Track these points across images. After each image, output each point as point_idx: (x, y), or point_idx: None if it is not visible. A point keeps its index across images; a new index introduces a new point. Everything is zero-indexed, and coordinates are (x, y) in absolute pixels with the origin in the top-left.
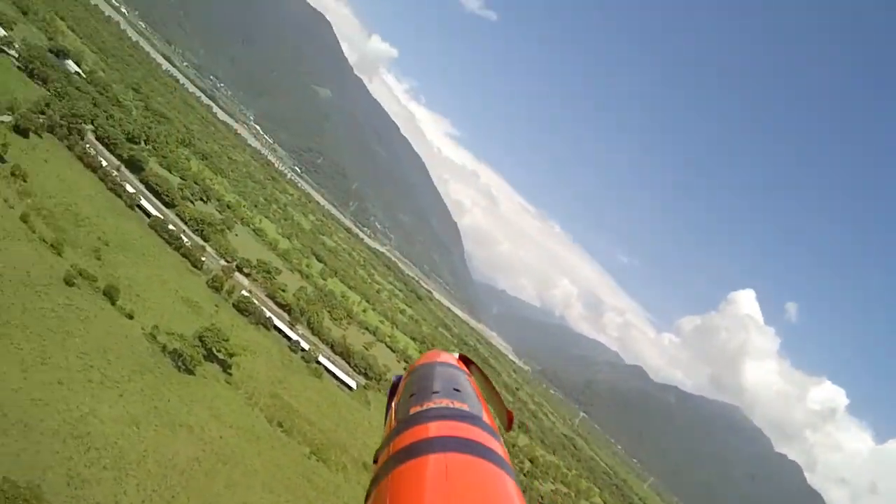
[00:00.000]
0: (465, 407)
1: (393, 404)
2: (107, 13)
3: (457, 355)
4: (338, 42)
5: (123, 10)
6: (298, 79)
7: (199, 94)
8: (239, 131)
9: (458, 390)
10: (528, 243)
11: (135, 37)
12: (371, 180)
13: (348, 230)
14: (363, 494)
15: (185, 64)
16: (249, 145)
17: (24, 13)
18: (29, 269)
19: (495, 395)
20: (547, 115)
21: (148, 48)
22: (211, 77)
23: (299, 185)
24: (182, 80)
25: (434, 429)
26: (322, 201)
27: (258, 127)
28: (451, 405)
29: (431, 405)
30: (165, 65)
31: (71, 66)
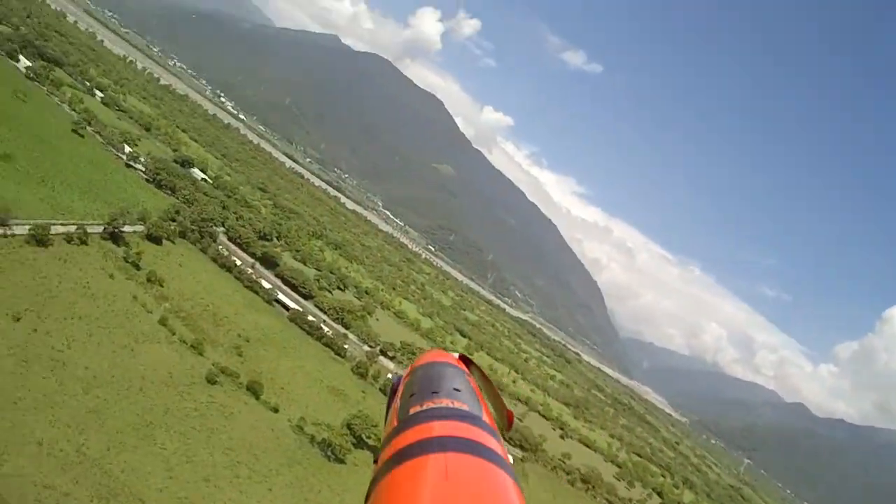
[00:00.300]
0: (465, 407)
1: (393, 404)
2: (226, 121)
3: (457, 355)
4: (452, 119)
5: (242, 116)
6: (420, 160)
7: (325, 186)
8: (369, 218)
9: (458, 390)
10: (670, 291)
11: (256, 139)
12: (505, 250)
13: (489, 302)
14: None
15: (308, 160)
16: (381, 230)
17: (147, 129)
18: (170, 370)
19: (495, 395)
20: (669, 157)
21: (270, 149)
22: (335, 169)
23: (435, 263)
24: (307, 175)
25: (434, 429)
26: (460, 277)
27: (388, 212)
28: (451, 405)
29: (431, 405)
30: (289, 163)
31: (197, 173)
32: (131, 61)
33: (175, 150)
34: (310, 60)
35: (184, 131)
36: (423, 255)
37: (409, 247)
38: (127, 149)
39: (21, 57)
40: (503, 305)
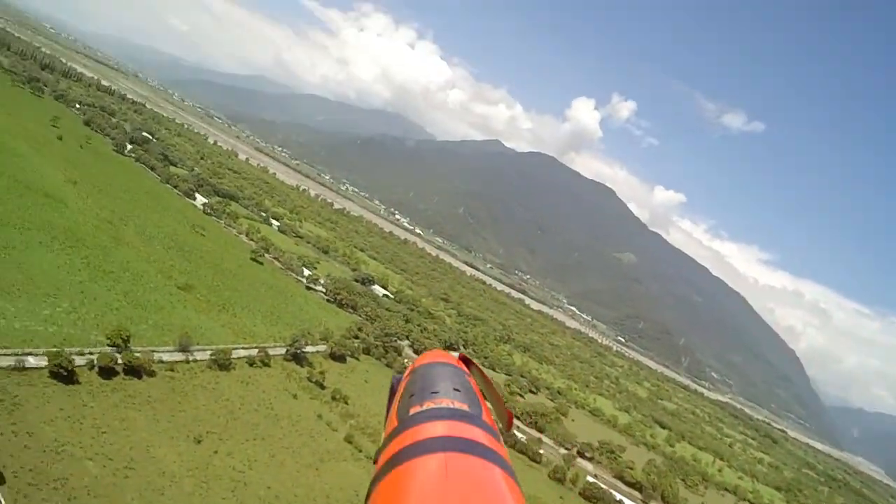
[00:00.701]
0: (465, 407)
1: (393, 404)
2: (403, 237)
3: (457, 355)
4: (625, 205)
5: (418, 230)
6: (599, 251)
7: (507, 290)
8: (555, 316)
9: (458, 390)
10: (873, 348)
11: (434, 252)
12: (696, 330)
13: (686, 388)
14: None
15: (488, 266)
16: (568, 328)
17: (325, 252)
18: (356, 487)
19: (495, 395)
20: (850, 205)
21: (449, 259)
22: (516, 272)
23: (627, 354)
24: (489, 281)
25: (434, 429)
26: (653, 365)
27: (573, 307)
28: (451, 405)
29: (431, 405)
30: (470, 271)
31: (378, 290)
32: (304, 190)
33: (354, 269)
34: (477, 168)
35: (361, 250)
36: (614, 348)
37: (599, 341)
38: (306, 272)
39: (197, 195)
40: (700, 389)
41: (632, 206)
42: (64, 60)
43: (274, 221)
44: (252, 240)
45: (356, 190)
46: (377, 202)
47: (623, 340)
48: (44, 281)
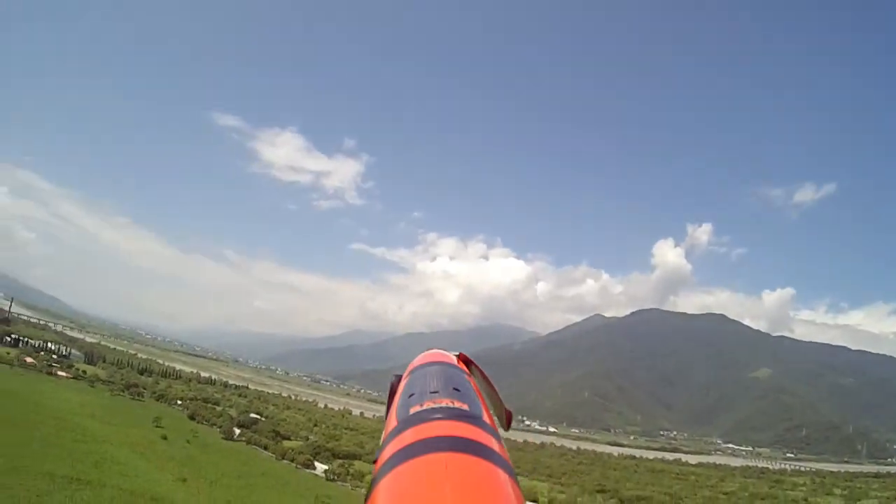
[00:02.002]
0: (465, 407)
1: (393, 404)
2: (538, 440)
3: (456, 354)
4: (740, 323)
5: (552, 429)
6: (733, 378)
7: (660, 454)
8: (716, 462)
9: (458, 390)
10: None
11: (574, 444)
12: (860, 412)
13: (877, 476)
14: None
15: (631, 438)
16: (734, 467)
17: None
18: None
19: (495, 395)
20: None
21: (592, 446)
22: (660, 433)
23: (803, 468)
24: (637, 453)
25: (434, 428)
26: (833, 467)
27: (730, 444)
28: (451, 405)
29: (431, 405)
30: (615, 450)
31: None
32: None
33: None
34: (587, 347)
35: None
36: (788, 468)
37: (770, 468)
38: None
39: (317, 463)
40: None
41: (747, 322)
42: (161, 361)
43: None
44: None
45: None
46: None
47: (793, 455)
48: None
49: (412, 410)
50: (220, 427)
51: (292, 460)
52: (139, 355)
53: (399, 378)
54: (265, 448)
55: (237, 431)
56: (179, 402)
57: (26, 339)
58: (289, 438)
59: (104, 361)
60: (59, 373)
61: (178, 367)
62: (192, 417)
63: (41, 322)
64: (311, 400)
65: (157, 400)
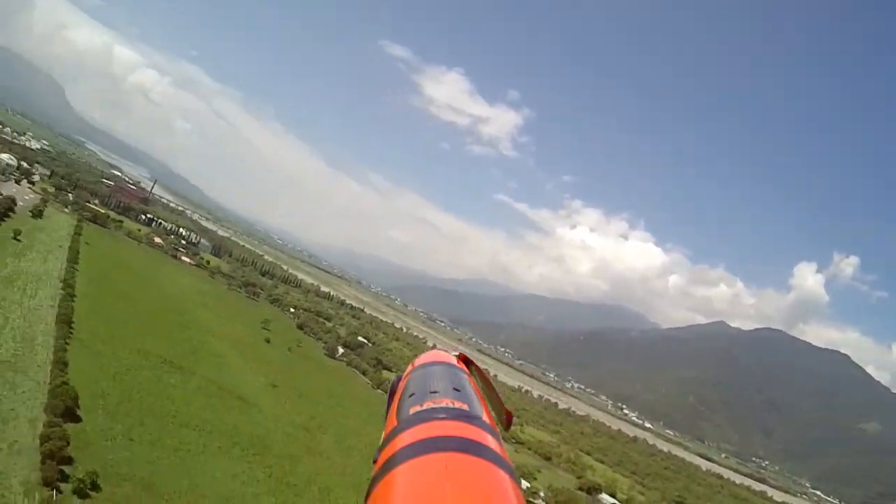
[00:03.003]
0: (465, 407)
1: (393, 404)
2: (632, 433)
3: (456, 354)
4: (863, 369)
5: (648, 424)
6: (840, 424)
7: (746, 481)
8: None
9: (458, 390)
10: None
11: (666, 447)
12: None
13: None
14: None
15: (723, 456)
16: None
17: (548, 458)
18: None
19: (495, 395)
20: None
21: (682, 454)
22: (753, 459)
23: None
24: (725, 473)
25: (434, 428)
26: None
27: (818, 491)
28: (451, 405)
29: (431, 405)
30: (704, 464)
31: (606, 499)
32: (527, 391)
33: (579, 477)
34: (703, 352)
35: (587, 454)
36: None
37: None
38: (525, 484)
39: None
40: None
41: (870, 370)
42: (285, 267)
43: None
44: None
45: (581, 387)
46: (604, 398)
47: None
48: (211, 490)
49: (412, 410)
50: (326, 343)
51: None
52: (266, 257)
53: (399, 378)
54: (363, 373)
55: (340, 351)
56: (293, 309)
57: (160, 221)
58: (389, 369)
59: (230, 256)
60: (184, 258)
61: (300, 276)
62: (300, 327)
63: (179, 208)
64: (421, 337)
65: (272, 303)
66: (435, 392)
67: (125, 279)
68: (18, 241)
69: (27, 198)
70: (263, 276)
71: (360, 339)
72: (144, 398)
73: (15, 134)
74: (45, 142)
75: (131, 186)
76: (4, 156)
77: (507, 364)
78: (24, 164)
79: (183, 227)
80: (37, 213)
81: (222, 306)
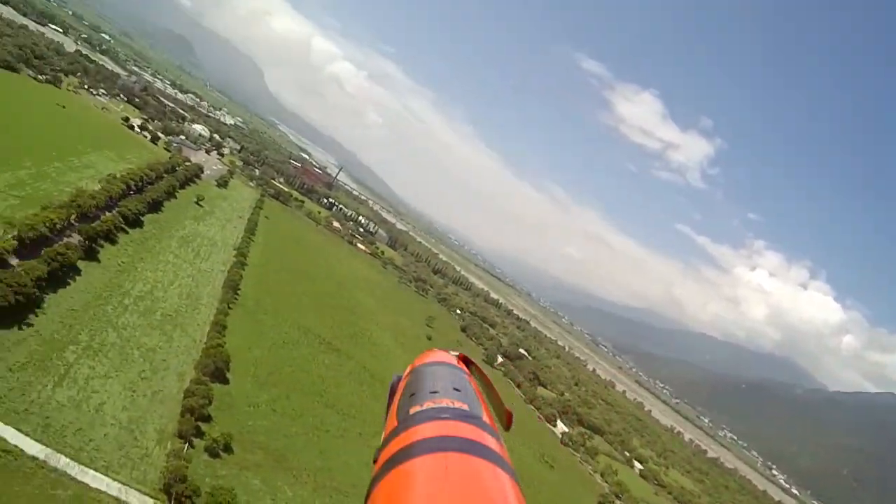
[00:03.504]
0: (465, 406)
1: (393, 404)
2: (777, 496)
3: (456, 354)
4: None
5: (794, 490)
6: None
7: None
8: None
9: (458, 390)
10: None
11: None
12: None
13: None
14: None
15: None
16: None
17: None
18: None
19: (495, 395)
20: None
21: None
22: None
23: None
24: None
25: (434, 428)
26: None
27: None
28: (451, 405)
29: (431, 405)
30: None
31: None
32: (678, 432)
33: None
34: (868, 423)
35: None
36: None
37: None
38: None
39: (559, 422)
40: None
41: None
42: (458, 268)
43: (637, 464)
44: (606, 482)
45: (734, 437)
46: (755, 453)
47: None
48: (342, 475)
49: (412, 410)
50: (486, 350)
51: (538, 409)
52: (440, 256)
53: (399, 378)
54: (518, 386)
55: (499, 359)
56: (459, 311)
57: (341, 206)
58: (545, 386)
59: (405, 249)
60: (359, 245)
61: (471, 279)
62: (463, 329)
63: (361, 196)
64: (582, 358)
65: (440, 302)
66: (435, 392)
67: (298, 257)
68: (200, 206)
69: (215, 167)
70: (435, 273)
71: (520, 350)
72: (296, 373)
73: (211, 108)
74: (239, 119)
75: (317, 170)
76: (198, 126)
77: (663, 401)
78: (217, 137)
79: (362, 216)
80: (222, 183)
81: (390, 297)
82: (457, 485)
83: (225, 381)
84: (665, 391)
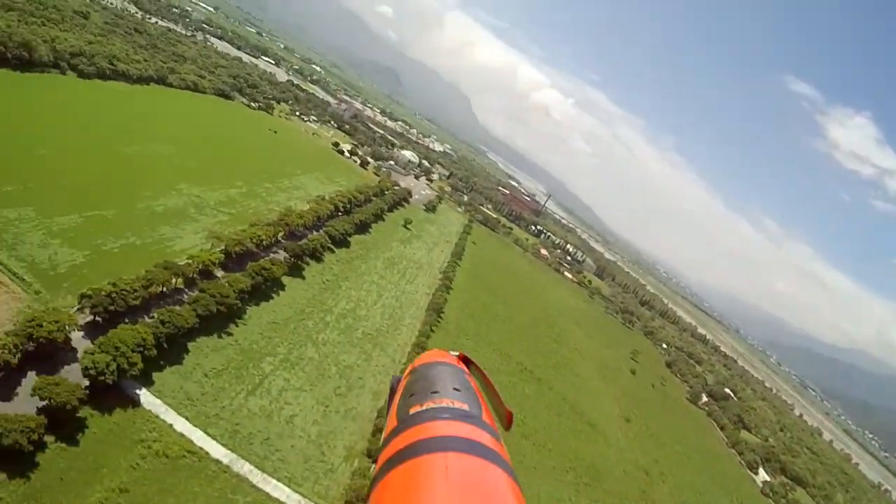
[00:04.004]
0: (465, 406)
1: (393, 404)
2: None
3: (456, 354)
4: None
5: None
6: None
7: None
8: None
9: (458, 390)
10: None
11: None
12: None
13: None
14: None
15: None
16: None
17: None
18: None
19: (495, 395)
20: None
21: None
22: None
23: None
24: None
25: (434, 428)
26: None
27: None
28: (451, 405)
29: (431, 405)
30: None
31: None
32: (886, 490)
33: None
34: None
35: None
36: None
37: None
38: None
39: (761, 470)
40: None
41: None
42: (665, 301)
43: None
44: None
45: None
46: None
47: None
48: None
49: (412, 410)
50: (691, 387)
51: (740, 453)
52: (647, 287)
53: (399, 378)
54: (721, 428)
55: (704, 398)
56: (665, 345)
57: (549, 234)
58: (749, 430)
59: (612, 280)
60: (566, 273)
61: (679, 312)
62: (668, 365)
63: (569, 225)
64: (788, 402)
65: (645, 335)
66: (435, 392)
67: (503, 282)
68: (408, 229)
69: (423, 192)
70: (642, 305)
71: (726, 390)
72: None
73: (420, 135)
74: (447, 146)
75: (525, 197)
76: (407, 152)
77: (871, 453)
78: (426, 163)
79: (570, 244)
80: (430, 208)
81: (595, 328)
82: (457, 485)
83: None
84: (874, 442)
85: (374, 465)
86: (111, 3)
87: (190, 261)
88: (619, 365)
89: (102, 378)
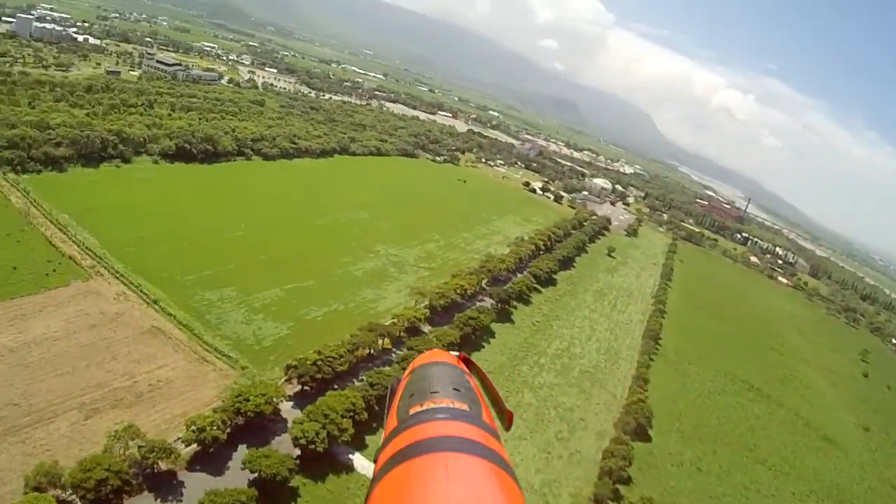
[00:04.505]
0: (464, 406)
1: (393, 404)
2: None
3: (457, 355)
4: None
5: None
6: None
7: None
8: None
9: (457, 390)
10: None
11: None
12: None
13: None
14: None
15: None
16: None
17: None
18: None
19: (495, 395)
20: None
21: None
22: None
23: None
24: None
25: (434, 428)
26: None
27: None
28: (451, 405)
29: (431, 405)
30: None
31: None
32: None
33: None
34: None
35: None
36: None
37: None
38: None
39: None
40: None
41: None
42: (887, 292)
43: None
44: None
45: None
46: None
47: None
48: None
49: (412, 410)
50: None
51: None
52: (866, 279)
53: (399, 378)
54: None
55: None
56: (895, 341)
57: (755, 239)
58: None
59: (829, 278)
60: (780, 278)
61: None
62: None
63: (774, 226)
64: None
65: (872, 332)
66: (435, 392)
67: (717, 298)
68: (612, 257)
69: (622, 217)
70: (864, 300)
71: None
72: (723, 425)
73: (609, 161)
74: (637, 167)
75: (725, 205)
76: (599, 180)
77: None
78: (619, 187)
79: (779, 247)
80: (631, 232)
81: (817, 332)
82: (457, 485)
83: (647, 439)
84: None
85: (374, 465)
86: (284, 88)
87: (395, 320)
88: (849, 369)
89: (313, 446)
